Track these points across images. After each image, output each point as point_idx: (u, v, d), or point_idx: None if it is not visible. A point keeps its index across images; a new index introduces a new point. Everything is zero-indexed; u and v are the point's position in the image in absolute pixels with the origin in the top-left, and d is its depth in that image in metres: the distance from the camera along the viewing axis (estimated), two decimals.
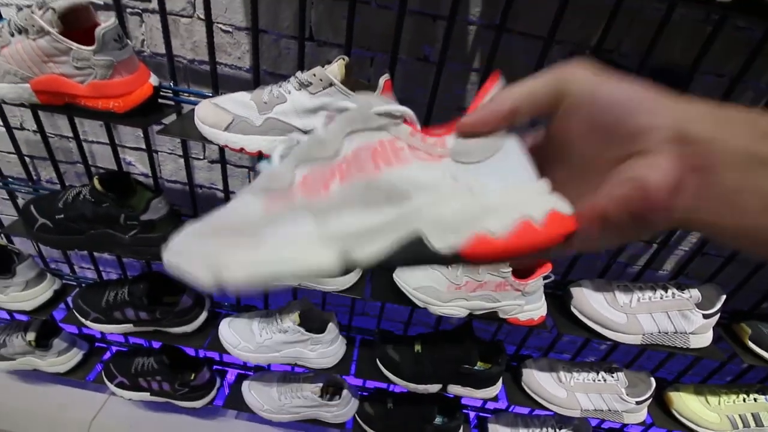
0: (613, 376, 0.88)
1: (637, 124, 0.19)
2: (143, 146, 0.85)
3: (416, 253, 0.23)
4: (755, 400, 0.91)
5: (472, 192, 0.22)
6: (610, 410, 0.89)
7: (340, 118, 0.24)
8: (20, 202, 0.90)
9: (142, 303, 0.84)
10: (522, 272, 0.72)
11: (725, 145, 0.18)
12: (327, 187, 0.23)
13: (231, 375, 1.16)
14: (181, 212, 0.84)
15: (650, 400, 0.90)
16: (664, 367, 1.01)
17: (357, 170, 0.23)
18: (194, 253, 0.23)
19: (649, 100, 0.19)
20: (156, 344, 1.03)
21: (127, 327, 0.89)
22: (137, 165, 0.97)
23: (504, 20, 0.58)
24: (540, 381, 0.92)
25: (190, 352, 1.05)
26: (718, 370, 0.99)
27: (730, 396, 0.93)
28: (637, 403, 0.87)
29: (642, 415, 0.92)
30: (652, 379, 0.90)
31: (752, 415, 0.91)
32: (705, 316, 0.73)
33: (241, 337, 0.88)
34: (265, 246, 0.23)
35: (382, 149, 0.23)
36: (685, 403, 0.93)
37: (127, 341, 1.14)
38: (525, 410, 1.02)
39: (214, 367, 1.12)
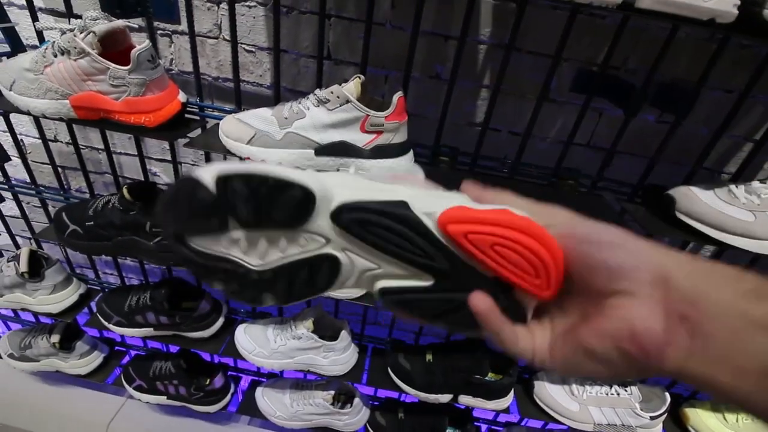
0: (626, 390, 0.88)
1: (617, 262, 0.21)
2: (169, 158, 0.89)
3: (399, 211, 0.24)
4: None
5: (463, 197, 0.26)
6: (623, 425, 0.88)
7: None
8: (51, 210, 0.95)
9: (163, 307, 0.87)
10: None
11: (708, 297, 0.18)
12: None
13: (245, 381, 1.18)
14: None
15: (665, 416, 0.88)
16: (681, 383, 0.99)
17: None
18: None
19: (629, 241, 0.21)
20: (174, 349, 1.06)
21: (148, 331, 0.92)
22: (162, 176, 1.02)
23: (513, 39, 0.60)
24: (552, 393, 0.91)
25: (206, 357, 1.08)
26: None
27: (748, 414, 0.91)
28: (652, 418, 0.86)
29: (657, 430, 0.90)
30: (667, 394, 0.89)
31: None
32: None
33: (256, 343, 0.90)
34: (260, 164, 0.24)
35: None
36: (702, 419, 0.91)
37: (146, 345, 1.17)
38: (538, 423, 1.01)
39: (229, 372, 1.14)
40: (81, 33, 0.60)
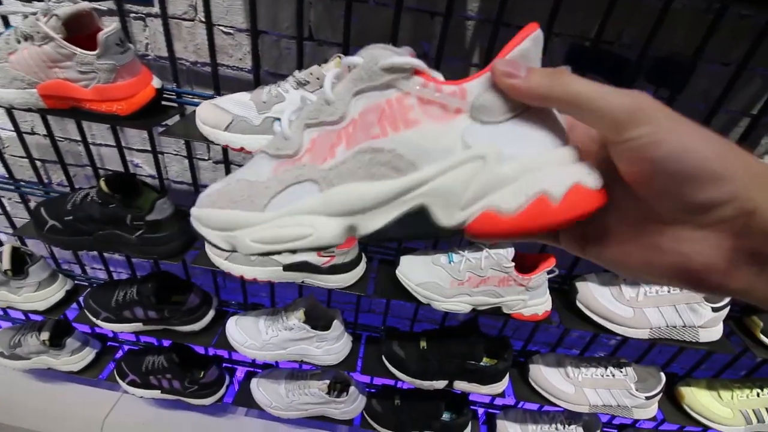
0: (621, 371, 0.87)
1: (710, 198, 0.17)
2: (149, 148, 0.86)
3: (421, 227, 0.22)
4: None
5: (486, 161, 0.20)
6: (619, 405, 0.88)
7: (347, 78, 0.23)
8: (32, 205, 0.92)
9: (151, 302, 0.86)
10: (525, 267, 0.72)
11: None
12: (333, 152, 0.23)
13: (240, 372, 1.18)
14: (187, 212, 0.86)
15: (660, 395, 0.88)
16: (676, 361, 0.99)
17: (363, 135, 0.22)
18: (212, 223, 0.24)
19: (720, 167, 0.17)
20: (166, 342, 1.05)
21: (137, 326, 0.91)
22: (144, 167, 0.99)
23: (501, 14, 0.57)
24: (547, 376, 0.91)
25: (200, 350, 1.07)
26: (731, 364, 0.97)
27: (743, 391, 0.92)
28: (647, 398, 0.86)
29: (652, 410, 0.90)
30: (662, 373, 0.89)
31: (766, 410, 0.89)
32: (714, 309, 0.72)
33: (247, 335, 0.89)
34: (271, 222, 0.23)
35: (390, 110, 0.22)
36: (697, 398, 0.92)
37: (138, 340, 1.16)
38: (534, 406, 1.01)
39: (224, 364, 1.13)
40: (44, 16, 0.57)
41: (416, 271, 0.76)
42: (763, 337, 0.80)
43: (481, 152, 0.21)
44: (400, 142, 0.21)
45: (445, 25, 0.60)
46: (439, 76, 0.23)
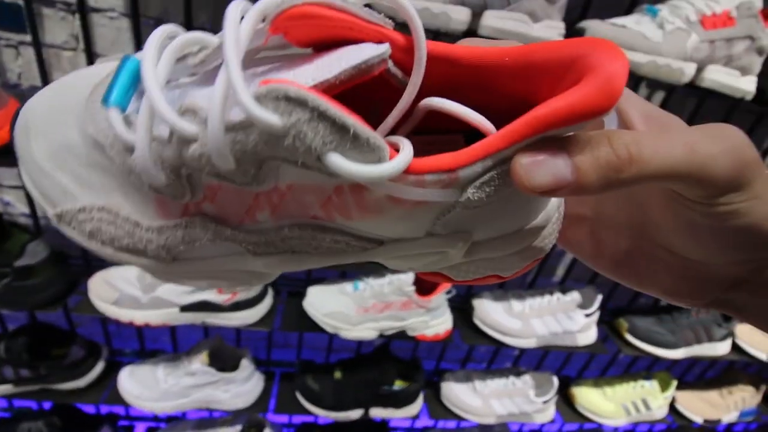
0: (520, 379, 0.95)
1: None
2: (21, 184, 0.78)
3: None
4: (642, 386, 1.03)
5: (448, 255, 0.18)
6: (521, 413, 0.95)
7: (246, 133, 0.13)
8: None
9: (22, 359, 0.75)
10: (425, 289, 0.76)
11: None
12: (253, 217, 0.16)
13: (142, 429, 1.06)
14: (70, 254, 0.78)
15: (556, 398, 0.97)
16: (568, 365, 1.10)
17: (298, 211, 0.16)
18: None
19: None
20: (47, 405, 0.91)
21: (7, 388, 0.78)
22: (17, 204, 0.88)
23: None
24: (457, 393, 0.95)
25: (90, 409, 0.95)
26: (612, 363, 1.10)
27: (622, 385, 1.04)
28: (544, 402, 0.94)
29: (550, 413, 0.99)
30: (555, 378, 0.98)
31: (642, 400, 1.02)
32: (586, 315, 0.83)
33: (143, 386, 0.81)
34: (198, 272, 0.18)
35: (339, 199, 0.15)
36: (586, 397, 1.02)
37: (11, 405, 0.99)
38: (452, 424, 1.05)
39: (120, 422, 1.01)
40: None
41: (323, 301, 0.76)
42: (629, 337, 0.92)
43: (450, 245, 0.17)
44: (354, 227, 0.16)
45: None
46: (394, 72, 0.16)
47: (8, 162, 0.58)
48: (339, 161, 0.13)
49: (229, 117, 0.13)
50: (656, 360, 1.13)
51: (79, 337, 0.82)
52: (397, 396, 0.87)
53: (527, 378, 0.94)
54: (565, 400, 1.05)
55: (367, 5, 0.15)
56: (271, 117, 0.12)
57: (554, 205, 0.18)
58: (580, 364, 1.18)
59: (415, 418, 0.93)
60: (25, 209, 0.89)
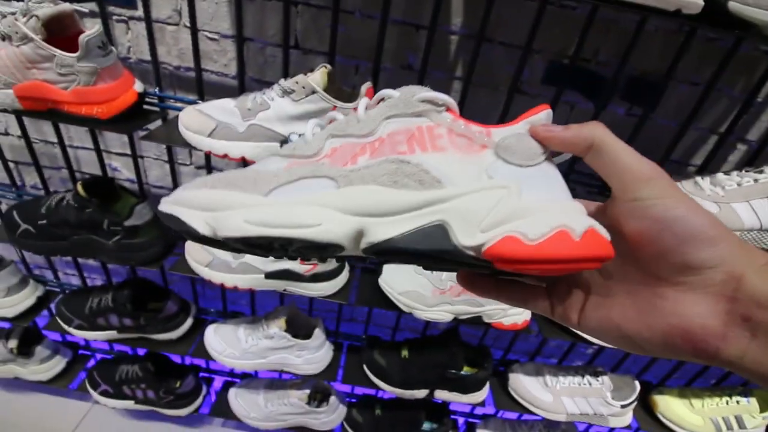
0: (598, 380, 0.89)
1: (701, 259, 0.19)
2: (129, 152, 0.85)
3: (436, 246, 0.21)
4: (738, 402, 0.93)
5: (509, 192, 0.21)
6: (595, 414, 0.89)
7: (381, 105, 0.24)
8: (3, 208, 0.89)
9: (126, 309, 0.84)
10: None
11: None
12: (355, 160, 0.22)
13: (218, 382, 1.15)
14: None
15: (635, 404, 0.90)
16: (650, 370, 1.02)
17: (390, 150, 0.22)
18: (196, 202, 0.22)
19: (721, 237, 0.19)
20: (141, 351, 1.02)
21: (111, 334, 0.88)
22: (123, 170, 0.97)
23: (483, 30, 0.59)
24: (526, 385, 0.92)
25: (176, 359, 1.04)
26: (702, 372, 1.00)
27: (713, 399, 0.94)
28: (622, 406, 0.88)
29: (627, 418, 0.92)
30: (637, 382, 0.91)
31: (735, 417, 0.92)
32: None
33: (226, 344, 0.87)
34: (274, 205, 0.21)
35: (420, 134, 0.23)
36: (670, 406, 0.94)
37: (112, 348, 1.13)
38: (513, 415, 1.02)
39: (201, 374, 1.11)
40: (24, 16, 0.56)
41: (399, 280, 0.76)
42: None
43: (506, 183, 0.21)
44: (428, 160, 0.22)
45: (429, 38, 0.61)
46: None
47: (119, 129, 0.63)
48: (428, 94, 0.23)
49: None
50: None
51: (173, 294, 0.89)
52: (465, 381, 0.86)
53: (605, 379, 0.88)
54: (644, 406, 0.98)
55: None
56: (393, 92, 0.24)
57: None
58: (661, 370, 1.08)
59: (481, 405, 0.91)
60: (131, 175, 0.97)
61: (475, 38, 0.61)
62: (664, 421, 0.94)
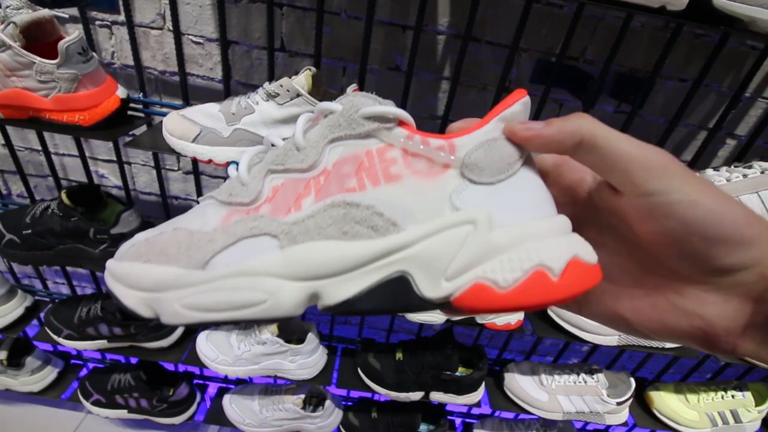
0: (593, 378, 0.89)
1: (734, 262, 0.16)
2: (115, 158, 0.84)
3: (400, 299, 0.19)
4: (733, 396, 0.93)
5: (477, 227, 0.18)
6: (591, 412, 0.89)
7: (321, 124, 0.20)
8: None
9: (116, 318, 0.82)
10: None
11: None
12: (299, 204, 0.19)
13: (212, 389, 1.14)
14: (156, 224, 0.83)
15: (631, 401, 0.90)
16: (645, 366, 1.02)
17: (337, 187, 0.19)
18: (132, 281, 0.19)
19: (750, 232, 0.16)
20: (134, 360, 1.01)
21: (101, 343, 0.87)
22: (110, 177, 0.96)
23: (469, 29, 0.59)
24: (522, 385, 0.92)
25: (169, 366, 1.03)
26: (697, 367, 1.00)
27: (708, 393, 0.95)
28: (618, 403, 0.88)
29: (623, 415, 0.92)
30: (632, 379, 0.91)
31: (731, 411, 0.92)
32: None
33: (218, 351, 0.86)
34: (212, 284, 0.19)
35: (370, 162, 0.19)
36: (665, 402, 0.94)
37: (104, 358, 1.11)
38: (510, 415, 1.02)
39: (195, 381, 1.10)
40: (1, 23, 0.55)
41: None
42: None
43: (472, 216, 0.18)
44: (380, 198, 0.19)
45: (416, 38, 0.60)
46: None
47: (102, 136, 0.62)
48: (372, 109, 0.19)
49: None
50: (751, 368, 1.01)
51: None
52: (460, 382, 0.86)
53: (600, 376, 0.88)
54: (640, 403, 0.98)
55: None
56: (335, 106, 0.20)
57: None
58: (656, 366, 1.09)
59: (477, 405, 0.91)
60: (118, 181, 0.96)
61: (462, 38, 0.61)
62: (660, 416, 0.94)
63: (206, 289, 0.19)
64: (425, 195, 0.19)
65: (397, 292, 0.19)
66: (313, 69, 0.57)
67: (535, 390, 0.90)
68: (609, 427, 1.04)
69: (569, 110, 0.78)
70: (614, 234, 0.20)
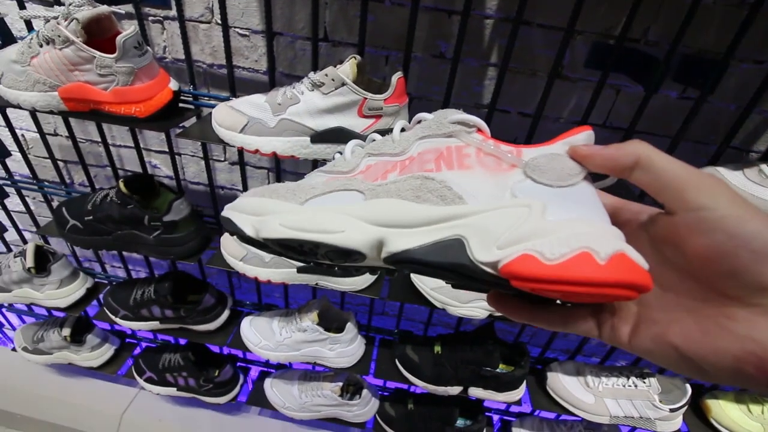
0: (644, 382, 0.84)
1: None
2: (167, 149, 0.87)
3: (452, 259, 0.20)
4: None
5: (531, 210, 0.20)
6: (641, 417, 0.85)
7: (416, 126, 0.25)
8: (55, 204, 0.94)
9: (167, 301, 0.87)
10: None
11: None
12: (385, 176, 0.24)
13: (254, 372, 1.18)
14: (204, 213, 0.86)
15: (686, 408, 0.85)
16: None
17: (418, 167, 0.24)
18: (247, 208, 0.25)
19: None
20: (183, 341, 1.06)
21: (154, 324, 0.92)
22: (162, 167, 1.00)
23: (521, 12, 0.56)
24: (566, 385, 0.88)
25: (215, 349, 1.08)
26: None
27: None
28: (671, 410, 0.83)
29: (677, 423, 0.87)
30: (688, 385, 0.85)
31: None
32: None
33: (261, 336, 0.89)
34: (306, 212, 0.24)
35: (448, 153, 0.24)
36: (725, 411, 0.88)
37: (156, 338, 1.18)
38: (551, 415, 0.99)
39: (238, 364, 1.14)
40: (64, 20, 0.58)
41: None
42: None
43: (529, 202, 0.20)
44: (452, 178, 0.23)
45: (462, 23, 0.58)
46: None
47: (156, 127, 0.65)
48: (460, 116, 0.25)
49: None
50: None
51: (210, 287, 0.92)
52: (500, 379, 0.84)
53: (653, 381, 0.83)
54: (695, 411, 0.92)
55: None
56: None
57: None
58: None
59: (517, 404, 0.89)
60: (169, 171, 1.00)
61: (512, 21, 0.58)
62: (718, 427, 0.88)
63: (300, 213, 0.23)
64: (490, 183, 0.22)
65: (453, 252, 0.21)
66: (358, 57, 0.56)
67: (580, 391, 0.87)
68: None
69: (628, 96, 0.72)
70: (666, 263, 0.21)
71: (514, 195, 0.21)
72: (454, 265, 0.20)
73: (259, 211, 0.24)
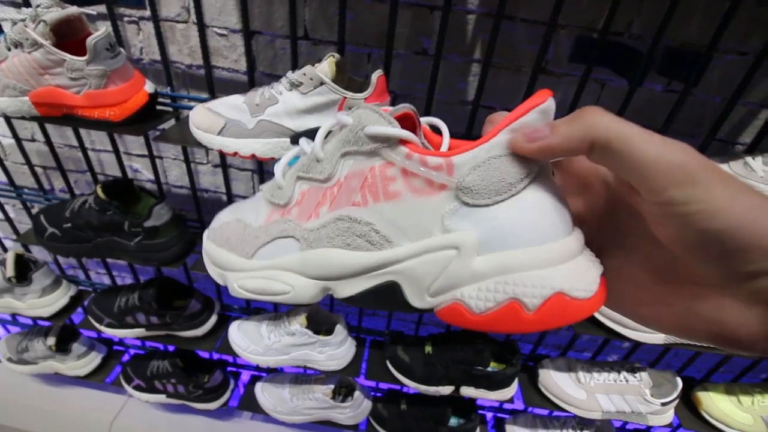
0: (635, 377, 0.84)
1: (754, 268, 0.15)
2: (147, 153, 0.85)
3: (393, 303, 0.22)
4: None
5: (460, 252, 0.19)
6: (633, 412, 0.84)
7: (337, 137, 0.23)
8: (35, 211, 0.92)
9: (152, 308, 0.85)
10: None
11: None
12: (317, 212, 0.23)
13: (245, 376, 1.17)
14: (187, 217, 0.85)
15: (677, 401, 0.85)
16: (693, 365, 0.96)
17: (345, 199, 0.22)
18: (213, 255, 0.27)
19: None
20: (171, 347, 1.04)
21: (140, 331, 0.90)
22: (144, 172, 0.98)
23: (503, 7, 0.55)
24: (558, 382, 0.88)
25: (204, 354, 1.06)
26: (752, 367, 0.93)
27: (765, 396, 0.88)
28: (663, 404, 0.83)
29: (668, 416, 0.87)
30: (679, 378, 0.85)
31: None
32: None
33: (250, 340, 0.88)
34: (257, 273, 0.25)
35: (372, 178, 0.21)
36: (715, 403, 0.88)
37: (144, 344, 1.16)
38: (544, 411, 0.99)
39: (228, 368, 1.12)
40: (32, 23, 0.56)
41: None
42: None
43: (458, 241, 0.20)
44: (378, 215, 0.21)
45: (444, 19, 0.57)
46: (427, 145, 0.25)
47: (132, 131, 0.63)
48: (373, 129, 0.21)
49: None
50: None
51: (196, 292, 0.90)
52: (492, 378, 0.83)
53: (644, 375, 0.83)
54: (686, 403, 0.92)
55: None
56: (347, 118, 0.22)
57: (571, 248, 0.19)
58: (705, 365, 1.02)
59: (509, 402, 0.88)
60: (151, 176, 0.98)
61: (494, 16, 0.57)
62: (709, 419, 0.88)
63: (252, 276, 0.25)
64: (420, 214, 0.21)
65: (390, 297, 0.22)
66: (337, 55, 0.55)
67: (572, 387, 0.87)
68: (651, 428, 0.98)
69: (612, 91, 0.72)
70: (632, 231, 0.20)
71: (446, 229, 0.20)
72: (395, 307, 0.22)
73: (220, 264, 0.26)
